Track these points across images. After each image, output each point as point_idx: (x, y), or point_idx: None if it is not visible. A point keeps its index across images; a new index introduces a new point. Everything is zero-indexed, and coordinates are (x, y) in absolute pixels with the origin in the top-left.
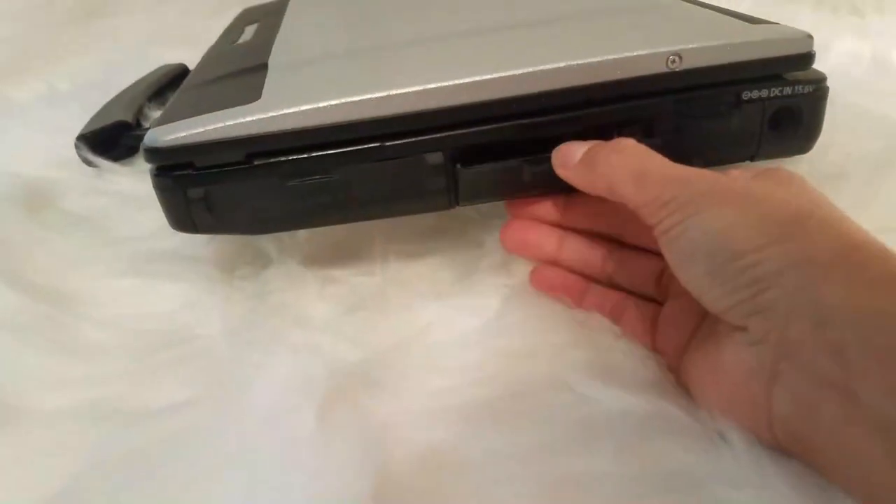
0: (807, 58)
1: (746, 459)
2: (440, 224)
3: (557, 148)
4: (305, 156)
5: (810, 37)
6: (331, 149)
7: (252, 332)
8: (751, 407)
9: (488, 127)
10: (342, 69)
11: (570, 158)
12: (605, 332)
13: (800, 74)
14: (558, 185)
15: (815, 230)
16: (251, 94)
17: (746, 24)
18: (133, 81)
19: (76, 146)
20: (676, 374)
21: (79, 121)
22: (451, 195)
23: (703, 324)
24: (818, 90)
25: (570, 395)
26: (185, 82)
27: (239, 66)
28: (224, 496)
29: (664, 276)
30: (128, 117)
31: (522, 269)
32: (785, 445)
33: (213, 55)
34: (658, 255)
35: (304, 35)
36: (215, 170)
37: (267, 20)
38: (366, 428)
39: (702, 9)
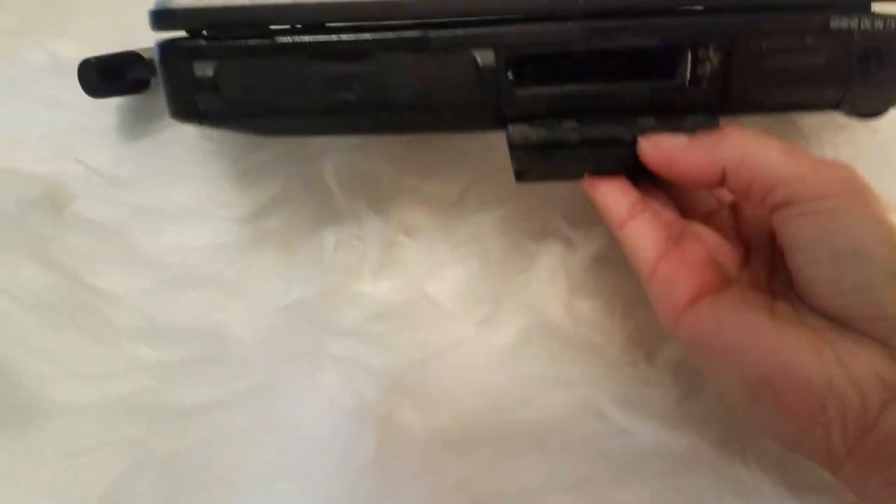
0: None
1: None
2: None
3: (646, 137)
4: (332, 37)
5: None
6: (364, 32)
7: (284, 340)
8: (841, 408)
9: (551, 25)
10: None
11: (672, 141)
12: (639, 365)
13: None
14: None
15: None
16: None
17: None
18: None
19: (79, 71)
20: (675, 325)
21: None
22: (500, 109)
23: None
24: None
25: (606, 426)
26: None
27: None
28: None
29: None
30: (141, 54)
31: (551, 298)
32: (852, 463)
33: None
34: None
35: None
36: (230, 42)
37: None
38: (418, 452)
39: None
